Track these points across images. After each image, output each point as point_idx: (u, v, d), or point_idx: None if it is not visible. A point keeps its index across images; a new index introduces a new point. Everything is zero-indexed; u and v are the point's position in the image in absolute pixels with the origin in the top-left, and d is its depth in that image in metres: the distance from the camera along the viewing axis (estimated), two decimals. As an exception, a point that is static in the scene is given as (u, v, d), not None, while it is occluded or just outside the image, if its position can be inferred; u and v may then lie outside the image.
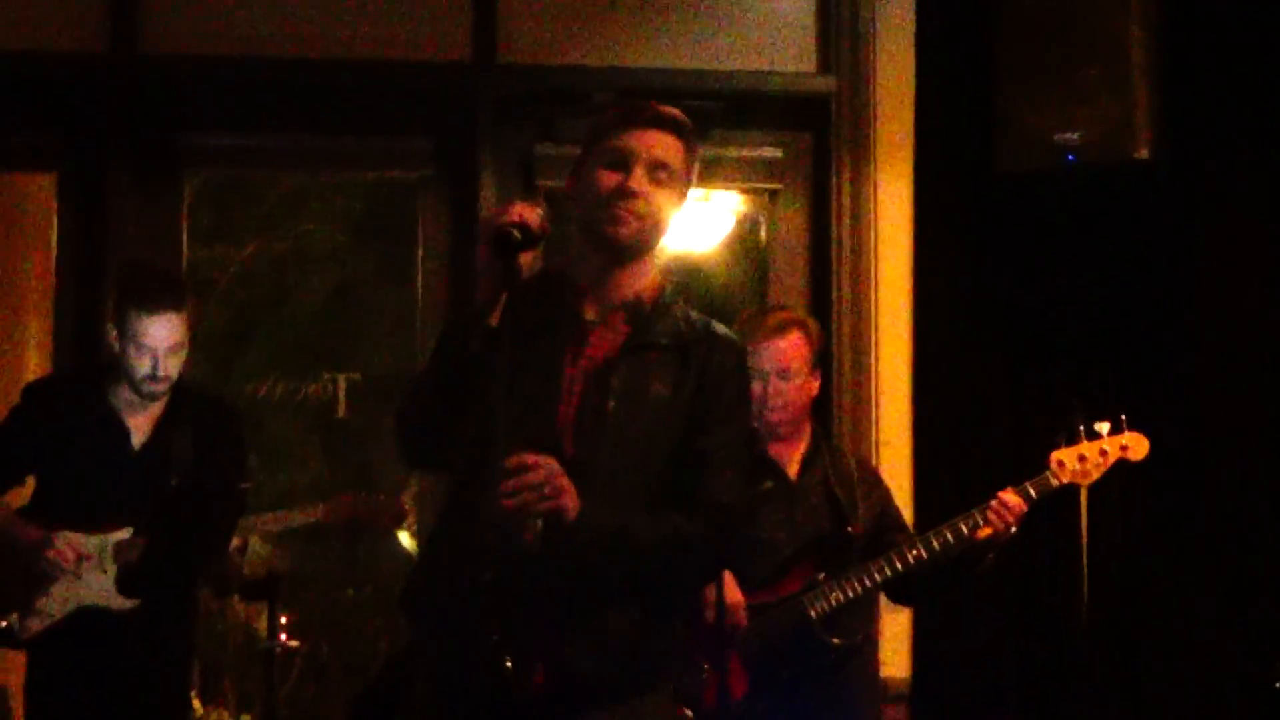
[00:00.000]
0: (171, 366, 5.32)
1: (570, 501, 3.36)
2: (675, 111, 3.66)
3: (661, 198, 3.57)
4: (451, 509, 3.64)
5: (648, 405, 3.53)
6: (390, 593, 9.87)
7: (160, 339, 5.27)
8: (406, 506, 5.55)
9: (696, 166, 3.69)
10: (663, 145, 3.59)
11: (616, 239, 3.55)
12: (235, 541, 5.44)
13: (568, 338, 3.59)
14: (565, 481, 3.35)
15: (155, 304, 5.28)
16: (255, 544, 5.75)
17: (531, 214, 3.41)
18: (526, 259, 3.40)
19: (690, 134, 3.66)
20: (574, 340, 3.59)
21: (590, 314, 3.62)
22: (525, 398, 3.38)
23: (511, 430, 3.29)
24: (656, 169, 3.57)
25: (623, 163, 3.57)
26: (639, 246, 3.59)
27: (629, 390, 3.53)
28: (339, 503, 5.59)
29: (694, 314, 3.69)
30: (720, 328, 3.70)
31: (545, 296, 3.59)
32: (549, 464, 3.33)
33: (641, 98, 3.78)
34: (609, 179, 3.56)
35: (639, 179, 3.55)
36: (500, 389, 3.28)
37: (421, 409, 3.55)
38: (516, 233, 3.36)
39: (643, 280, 3.65)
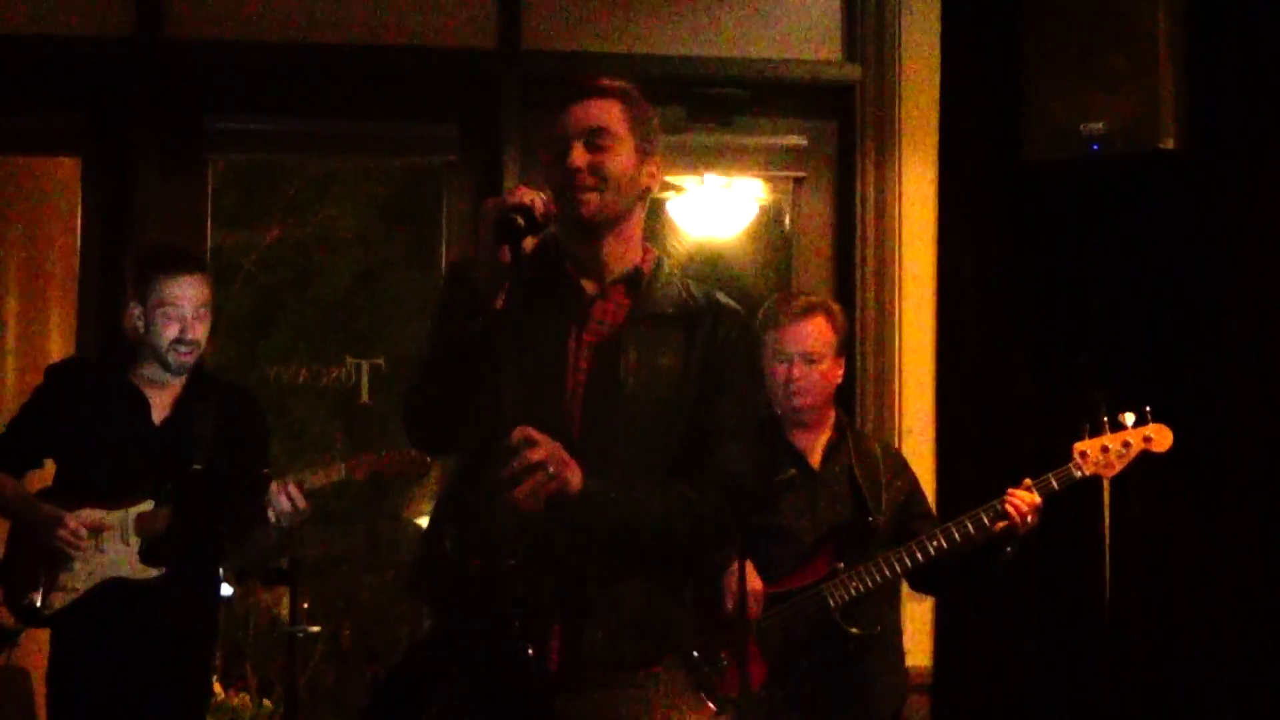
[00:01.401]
0: (199, 331, 5.36)
1: (574, 476, 3.36)
2: (599, 78, 3.67)
3: (608, 162, 3.57)
4: (459, 493, 3.62)
5: (658, 378, 3.55)
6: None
7: (187, 300, 5.32)
8: (427, 460, 5.55)
9: (653, 124, 3.68)
10: (593, 112, 3.59)
11: (583, 219, 3.56)
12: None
13: (571, 312, 3.60)
14: (568, 457, 3.35)
15: (180, 266, 5.35)
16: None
17: (536, 198, 3.40)
18: (530, 243, 3.39)
19: (625, 94, 3.65)
20: (577, 314, 3.60)
21: (590, 287, 3.64)
22: (531, 375, 3.38)
23: (520, 411, 3.29)
24: (592, 136, 3.57)
25: (559, 146, 3.57)
26: (608, 216, 3.59)
27: (638, 363, 3.55)
28: (360, 459, 5.59)
29: (694, 285, 3.71)
30: (724, 299, 3.71)
31: (545, 269, 3.58)
32: (551, 442, 3.32)
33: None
34: (555, 167, 3.57)
35: (577, 155, 3.55)
36: (509, 372, 3.29)
37: (427, 394, 3.53)
38: (520, 217, 3.35)
39: (634, 251, 3.67)
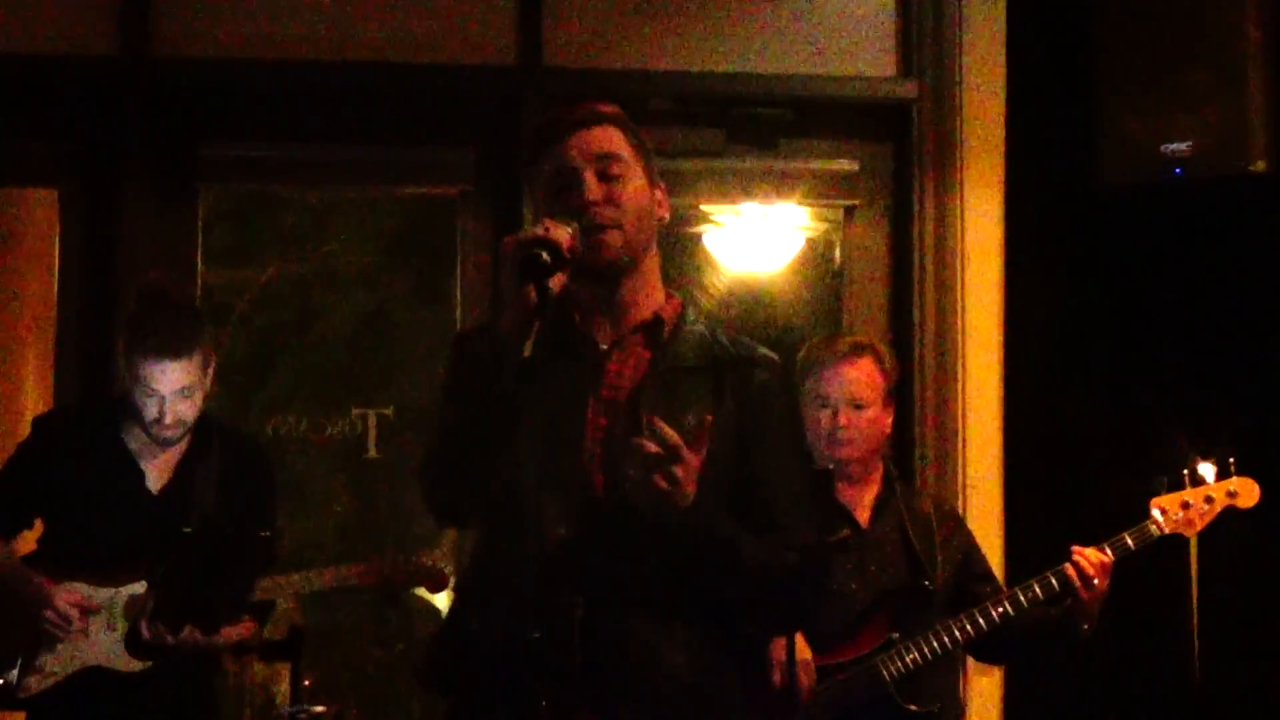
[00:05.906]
0: (182, 410, 5.30)
1: (692, 491, 3.36)
2: (594, 104, 3.67)
3: (624, 191, 3.57)
4: (481, 571, 3.63)
5: (682, 436, 3.50)
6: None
7: (165, 384, 5.27)
8: (446, 570, 5.56)
9: (650, 150, 3.69)
10: (599, 138, 3.60)
11: (603, 261, 3.54)
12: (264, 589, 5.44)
13: (584, 365, 3.58)
14: (694, 477, 3.35)
15: (159, 350, 5.26)
16: (281, 605, 5.74)
17: (561, 232, 3.39)
18: (558, 282, 3.37)
19: (621, 120, 3.67)
20: (591, 368, 3.59)
21: (603, 337, 3.62)
22: (547, 434, 3.39)
23: (539, 472, 3.32)
24: (604, 163, 3.58)
25: (566, 179, 3.57)
26: (629, 255, 3.58)
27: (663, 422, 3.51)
28: (372, 566, 5.61)
29: (721, 333, 3.70)
30: (759, 347, 3.71)
31: (551, 320, 3.50)
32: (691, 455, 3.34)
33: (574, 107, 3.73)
34: (561, 203, 3.55)
35: (591, 186, 3.54)
36: (528, 432, 3.31)
37: (453, 461, 3.51)
38: (544, 254, 3.33)
39: (653, 294, 3.66)
